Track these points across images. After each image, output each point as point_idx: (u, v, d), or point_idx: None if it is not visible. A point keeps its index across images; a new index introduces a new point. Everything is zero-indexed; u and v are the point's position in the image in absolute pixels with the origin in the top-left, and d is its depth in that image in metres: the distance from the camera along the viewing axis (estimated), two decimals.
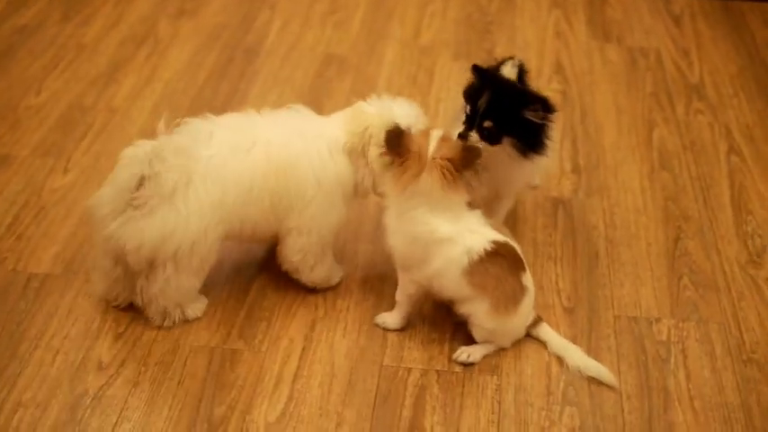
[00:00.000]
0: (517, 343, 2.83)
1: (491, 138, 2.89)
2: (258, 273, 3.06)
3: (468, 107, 2.91)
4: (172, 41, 4.24)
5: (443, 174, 2.64)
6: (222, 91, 3.92)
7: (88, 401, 2.62)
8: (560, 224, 3.30)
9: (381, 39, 4.34)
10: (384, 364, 2.77)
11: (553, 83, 4.07)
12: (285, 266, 2.96)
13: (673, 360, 2.81)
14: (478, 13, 4.57)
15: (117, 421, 2.57)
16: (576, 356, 2.77)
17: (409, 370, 2.75)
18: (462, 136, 2.88)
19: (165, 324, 2.83)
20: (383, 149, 2.71)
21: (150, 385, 2.67)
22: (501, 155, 2.93)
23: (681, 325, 2.92)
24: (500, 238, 2.74)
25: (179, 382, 2.69)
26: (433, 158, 2.65)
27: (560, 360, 2.78)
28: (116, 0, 4.51)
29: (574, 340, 2.83)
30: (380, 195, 2.89)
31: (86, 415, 2.58)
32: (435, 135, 2.70)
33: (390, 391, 2.69)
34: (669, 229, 3.30)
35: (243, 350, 2.79)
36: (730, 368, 2.80)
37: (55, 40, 4.19)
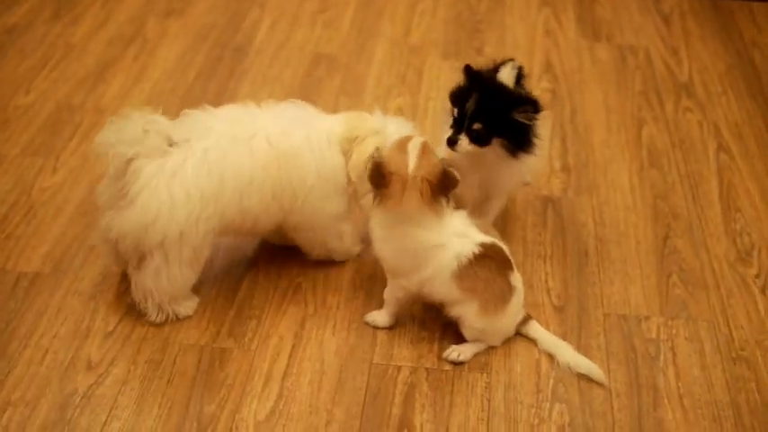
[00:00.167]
0: (507, 341, 2.83)
1: (480, 140, 2.89)
2: (248, 271, 3.05)
3: (456, 110, 2.91)
4: (160, 41, 4.23)
5: (422, 194, 2.63)
6: (211, 90, 3.91)
7: (78, 400, 2.61)
8: (550, 223, 3.30)
9: (371, 37, 4.34)
10: (374, 361, 2.77)
11: (543, 81, 4.07)
12: (312, 258, 3.06)
13: (662, 358, 2.82)
14: (468, 12, 4.58)
15: (106, 420, 2.57)
16: (567, 353, 2.77)
17: (399, 368, 2.75)
18: (452, 140, 2.89)
19: (158, 319, 2.83)
20: (370, 185, 2.70)
21: (140, 384, 2.67)
22: (490, 155, 2.94)
23: (670, 323, 2.93)
24: (486, 239, 2.74)
25: (168, 381, 2.68)
26: (414, 178, 2.63)
27: (550, 357, 2.78)
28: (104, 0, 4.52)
29: (563, 338, 2.83)
30: (362, 205, 2.92)
31: (76, 414, 2.58)
32: (414, 146, 2.67)
33: (380, 388, 2.69)
34: (658, 227, 3.30)
35: (232, 348, 2.79)
36: (719, 366, 2.80)
37: (44, 39, 4.19)
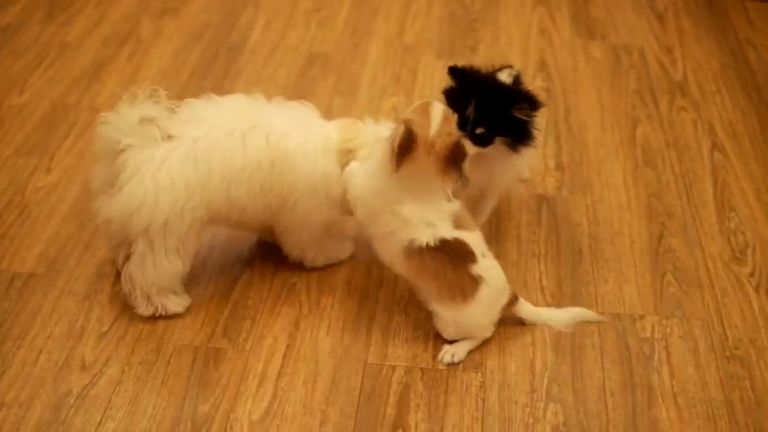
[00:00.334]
0: (501, 339, 2.83)
1: (483, 141, 2.91)
2: (242, 271, 3.05)
3: (456, 115, 2.91)
4: (155, 40, 4.23)
5: (440, 161, 2.63)
6: (206, 89, 3.88)
7: (72, 401, 2.61)
8: (544, 221, 3.31)
9: (365, 37, 4.33)
10: (368, 361, 2.77)
11: (537, 80, 4.07)
12: (290, 259, 3.04)
13: (656, 357, 2.82)
14: (462, 11, 4.58)
15: (101, 420, 2.56)
16: (559, 317, 2.86)
17: (393, 368, 2.75)
18: None
19: (146, 312, 2.83)
20: (395, 155, 2.62)
21: (134, 384, 2.67)
22: (492, 152, 2.95)
23: (664, 322, 2.93)
24: (451, 236, 2.69)
25: (163, 381, 2.68)
26: (434, 144, 2.62)
27: (545, 357, 2.78)
28: None
29: (557, 337, 2.84)
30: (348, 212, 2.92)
31: (70, 414, 2.58)
32: (436, 112, 2.65)
33: (374, 388, 2.69)
34: (652, 225, 3.31)
35: (227, 349, 2.79)
36: (713, 365, 2.81)
37: (38, 38, 4.18)
